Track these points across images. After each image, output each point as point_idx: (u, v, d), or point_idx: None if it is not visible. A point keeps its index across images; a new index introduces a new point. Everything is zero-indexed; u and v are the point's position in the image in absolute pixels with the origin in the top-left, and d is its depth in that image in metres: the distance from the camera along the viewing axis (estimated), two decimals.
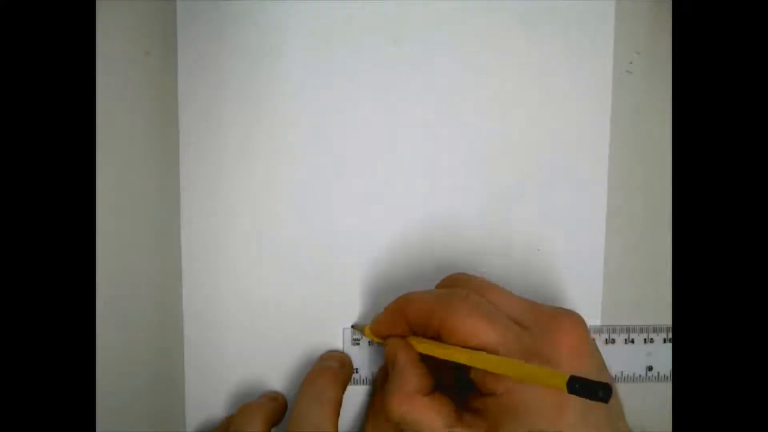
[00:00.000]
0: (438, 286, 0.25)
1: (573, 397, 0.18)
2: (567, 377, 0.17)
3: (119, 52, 0.26)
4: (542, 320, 0.22)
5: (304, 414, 0.24)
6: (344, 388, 0.25)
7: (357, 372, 0.27)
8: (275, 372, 0.27)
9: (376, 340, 0.26)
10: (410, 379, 0.22)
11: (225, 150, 0.27)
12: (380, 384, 0.27)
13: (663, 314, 0.27)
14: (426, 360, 0.23)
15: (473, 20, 0.26)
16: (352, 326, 0.27)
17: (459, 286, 0.23)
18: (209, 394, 0.27)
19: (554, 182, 0.27)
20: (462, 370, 0.22)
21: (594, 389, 0.16)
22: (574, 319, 0.21)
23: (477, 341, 0.21)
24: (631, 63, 0.27)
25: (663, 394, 0.27)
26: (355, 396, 0.27)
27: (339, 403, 0.24)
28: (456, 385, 0.23)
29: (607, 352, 0.25)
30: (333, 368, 0.26)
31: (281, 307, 0.27)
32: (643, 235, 0.27)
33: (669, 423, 0.21)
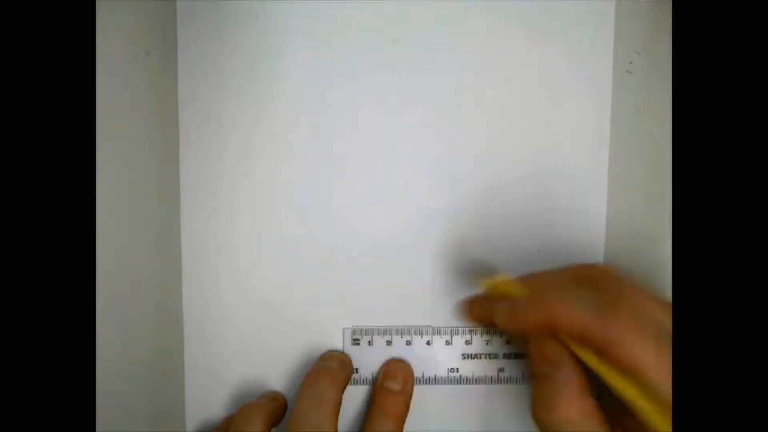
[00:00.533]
0: (573, 273, 0.23)
1: None
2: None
3: (119, 52, 0.26)
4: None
5: (304, 414, 0.24)
6: (344, 388, 0.25)
7: (357, 372, 0.27)
8: (275, 372, 0.27)
9: (494, 292, 0.23)
10: (576, 377, 0.20)
11: (225, 150, 0.27)
12: (381, 382, 0.27)
13: None
14: None
15: (473, 20, 0.26)
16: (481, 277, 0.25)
17: (611, 285, 0.21)
18: (209, 394, 0.27)
19: (554, 182, 0.27)
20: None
21: None
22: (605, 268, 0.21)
23: (643, 367, 0.19)
24: (631, 63, 0.27)
25: None
26: (355, 396, 0.27)
27: (338, 403, 0.24)
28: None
29: None
30: (333, 368, 0.26)
31: (281, 307, 0.27)
32: (643, 235, 0.27)
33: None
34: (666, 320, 0.20)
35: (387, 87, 0.27)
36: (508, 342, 0.27)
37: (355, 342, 0.27)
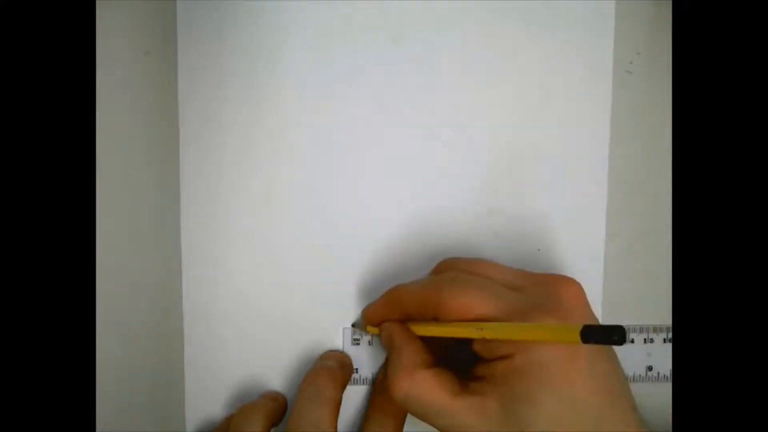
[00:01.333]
0: (431, 273, 0.25)
1: (583, 348, 0.18)
2: (579, 327, 0.17)
3: (119, 51, 0.26)
4: (538, 281, 0.22)
5: (304, 413, 0.24)
6: (343, 388, 0.25)
7: (357, 372, 0.27)
8: (275, 372, 0.27)
9: (374, 331, 0.26)
10: (408, 354, 0.23)
11: (225, 150, 0.27)
12: (380, 381, 0.27)
13: (663, 314, 0.27)
14: (425, 341, 0.23)
15: (473, 20, 0.26)
16: (353, 325, 0.27)
17: (450, 270, 0.24)
18: (209, 394, 0.27)
19: (554, 182, 0.27)
20: (461, 345, 0.22)
21: (608, 334, 0.16)
22: (568, 277, 0.22)
23: (474, 314, 0.21)
24: (631, 63, 0.27)
25: (663, 394, 0.27)
26: (355, 396, 0.27)
27: (338, 403, 0.24)
28: (456, 361, 0.23)
29: None
30: (332, 368, 0.26)
31: (281, 307, 0.27)
32: (643, 235, 0.27)
33: (669, 423, 0.21)
34: (506, 276, 0.23)
35: (387, 87, 0.27)
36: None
37: (355, 342, 0.27)
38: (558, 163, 0.27)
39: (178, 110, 0.26)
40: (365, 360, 0.27)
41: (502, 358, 0.21)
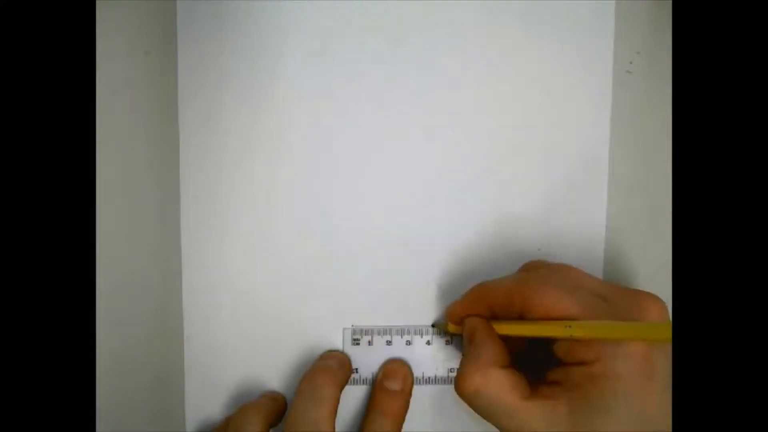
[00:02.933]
0: (518, 272, 0.25)
1: (661, 364, 0.19)
2: (670, 325, 0.17)
3: (119, 51, 0.26)
4: (624, 294, 0.22)
5: (301, 413, 0.24)
6: (342, 387, 0.25)
7: (357, 372, 0.27)
8: (275, 372, 0.27)
9: (455, 330, 0.26)
10: (486, 351, 0.22)
11: (225, 150, 0.27)
12: (380, 381, 0.27)
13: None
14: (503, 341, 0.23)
15: (473, 20, 0.26)
16: (432, 325, 0.27)
17: (536, 266, 0.24)
18: (209, 394, 0.27)
19: (554, 182, 0.27)
20: (535, 347, 0.22)
21: None
22: (655, 296, 0.22)
23: (560, 313, 0.21)
24: (631, 63, 0.27)
25: None
26: (354, 395, 0.27)
27: (336, 402, 0.24)
28: (528, 364, 0.23)
29: None
30: (331, 367, 0.26)
31: (281, 307, 0.27)
32: (643, 235, 0.27)
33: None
34: (593, 285, 0.22)
35: (386, 87, 0.27)
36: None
37: (355, 342, 0.27)
38: (558, 163, 0.27)
39: (177, 110, 0.26)
40: (365, 360, 0.27)
41: (581, 363, 0.21)
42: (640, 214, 0.27)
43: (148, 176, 0.27)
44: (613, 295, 0.22)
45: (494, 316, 0.24)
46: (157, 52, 0.26)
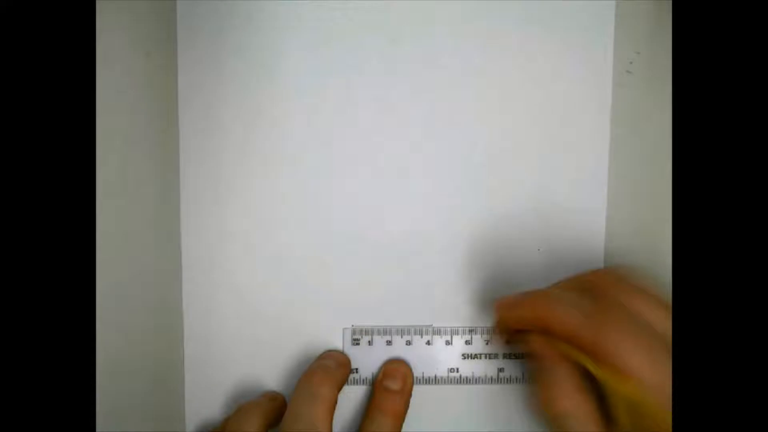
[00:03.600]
0: (581, 279, 0.23)
1: None
2: None
3: (120, 52, 0.26)
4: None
5: (298, 412, 0.24)
6: (339, 387, 0.25)
7: (356, 372, 0.27)
8: (275, 372, 0.27)
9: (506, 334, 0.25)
10: (572, 375, 0.21)
11: (225, 150, 0.27)
12: (380, 380, 0.27)
13: None
14: None
15: (472, 20, 0.26)
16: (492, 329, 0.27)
17: (611, 291, 0.22)
18: (209, 394, 0.27)
19: (554, 182, 0.27)
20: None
21: None
22: None
23: (634, 375, 0.20)
24: (631, 63, 0.27)
25: None
26: (354, 395, 0.27)
27: (333, 402, 0.24)
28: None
29: None
30: (329, 367, 0.26)
31: (281, 307, 0.27)
32: (643, 235, 0.27)
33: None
34: (666, 327, 0.20)
35: (386, 87, 0.27)
36: (508, 342, 0.27)
37: (355, 342, 0.27)
38: (558, 162, 0.27)
39: (178, 111, 0.26)
40: (365, 360, 0.27)
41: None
42: (641, 214, 0.27)
43: (148, 176, 0.27)
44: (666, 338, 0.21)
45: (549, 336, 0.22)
46: (157, 52, 0.26)
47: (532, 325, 0.23)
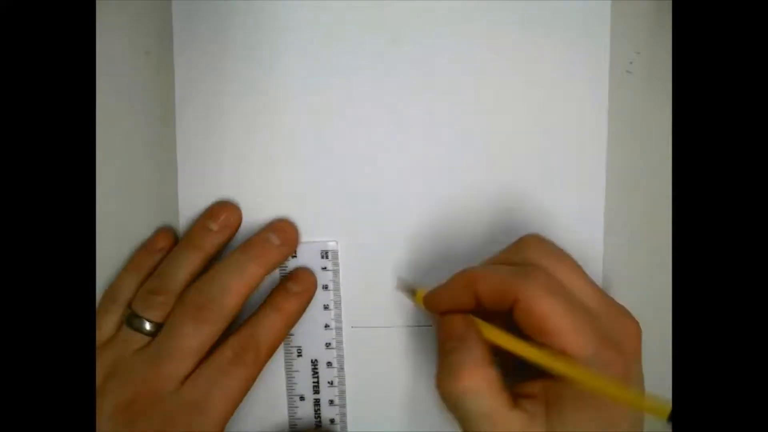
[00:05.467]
0: (509, 250, 0.24)
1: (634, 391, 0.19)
2: (669, 409, 0.18)
3: (119, 52, 0.26)
4: (609, 310, 0.22)
5: (216, 277, 0.24)
6: (273, 268, 0.25)
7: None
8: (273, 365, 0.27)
9: (422, 307, 0.25)
10: (478, 348, 0.21)
11: (223, 151, 0.27)
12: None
13: (663, 314, 0.27)
14: None
15: (472, 20, 0.26)
16: (397, 287, 0.26)
17: (533, 254, 0.22)
18: None
19: (553, 182, 0.27)
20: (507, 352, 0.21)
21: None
22: (632, 318, 0.22)
23: (551, 326, 0.20)
24: (631, 63, 0.27)
25: (662, 394, 0.27)
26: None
27: (257, 281, 0.24)
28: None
29: None
30: (271, 243, 0.25)
31: None
32: (642, 235, 0.27)
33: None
34: (586, 293, 0.21)
35: (386, 87, 0.27)
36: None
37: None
38: (556, 163, 0.27)
39: (174, 110, 0.26)
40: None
41: (561, 379, 0.20)
42: (640, 214, 0.27)
43: (148, 177, 0.27)
44: (601, 308, 0.21)
45: (479, 308, 0.22)
46: (157, 51, 0.26)
47: (459, 299, 0.23)
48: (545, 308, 0.20)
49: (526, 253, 0.23)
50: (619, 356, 0.20)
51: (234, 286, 0.24)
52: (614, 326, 0.21)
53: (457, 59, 0.27)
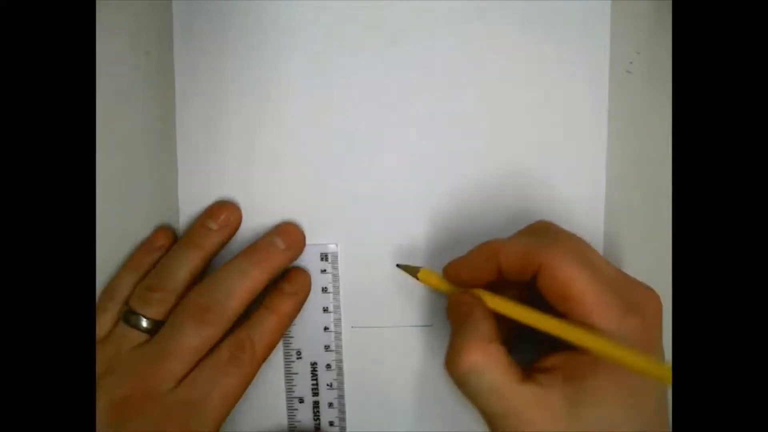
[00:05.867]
0: (522, 233, 0.24)
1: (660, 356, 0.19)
2: (670, 369, 0.18)
3: (119, 52, 0.26)
4: (627, 286, 0.21)
5: (219, 282, 0.24)
6: (277, 272, 0.25)
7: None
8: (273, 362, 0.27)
9: (432, 285, 0.24)
10: (484, 326, 0.21)
11: (223, 151, 0.27)
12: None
13: (663, 314, 0.27)
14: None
15: (472, 20, 0.26)
16: (398, 265, 0.26)
17: (547, 233, 0.22)
18: None
19: (553, 182, 0.27)
20: (530, 331, 0.21)
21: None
22: (656, 295, 0.22)
23: (576, 291, 0.20)
24: (631, 63, 0.27)
25: None
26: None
27: (260, 286, 0.24)
28: (515, 345, 0.22)
29: None
30: (276, 248, 0.25)
31: None
32: (642, 235, 0.27)
33: (669, 423, 0.21)
34: (602, 266, 0.21)
35: (385, 87, 0.27)
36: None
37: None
38: (556, 162, 0.27)
39: (175, 110, 0.26)
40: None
41: (579, 350, 0.20)
42: (640, 214, 0.27)
43: (148, 177, 0.27)
44: (619, 285, 0.21)
45: (501, 279, 0.22)
46: (157, 51, 0.26)
47: (481, 270, 0.23)
48: (571, 274, 0.20)
49: (539, 234, 0.23)
50: (642, 324, 0.20)
51: (238, 290, 0.24)
52: (635, 297, 0.21)
53: (457, 59, 0.27)
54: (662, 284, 0.24)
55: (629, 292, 0.21)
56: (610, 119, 0.27)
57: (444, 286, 0.24)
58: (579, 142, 0.27)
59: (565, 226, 0.24)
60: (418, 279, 0.25)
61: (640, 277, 0.27)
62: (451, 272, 0.24)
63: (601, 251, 0.27)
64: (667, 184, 0.26)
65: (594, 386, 0.20)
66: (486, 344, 0.20)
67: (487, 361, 0.20)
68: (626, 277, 0.22)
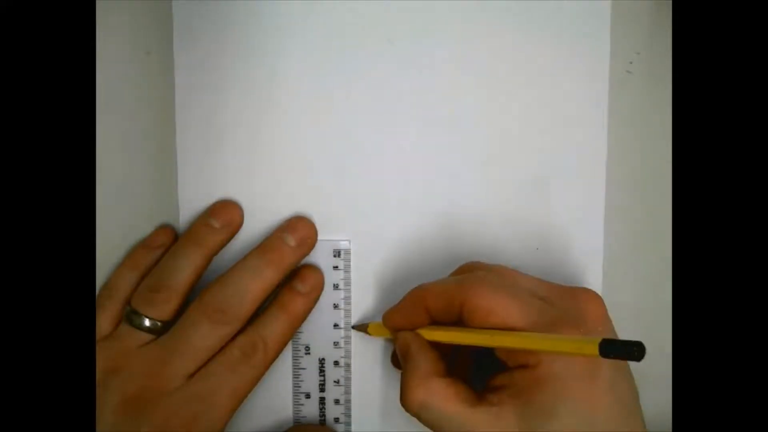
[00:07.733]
0: (453, 274, 0.25)
1: (604, 364, 0.19)
2: (598, 341, 0.17)
3: (119, 52, 0.26)
4: (563, 294, 0.22)
5: (231, 282, 0.24)
6: (288, 270, 0.25)
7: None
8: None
9: (383, 335, 0.26)
10: (423, 363, 0.22)
11: (223, 151, 0.27)
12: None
13: (663, 314, 0.27)
14: (439, 350, 0.23)
15: (470, 20, 0.26)
16: (353, 327, 0.27)
17: (473, 268, 0.24)
18: None
19: (552, 182, 0.27)
20: (479, 353, 0.22)
21: (628, 349, 0.16)
22: (592, 292, 0.22)
23: (500, 318, 0.21)
24: (631, 63, 0.27)
25: (662, 394, 0.27)
26: None
27: (272, 285, 0.25)
28: (471, 372, 0.23)
29: None
30: (287, 246, 0.25)
31: None
32: (642, 235, 0.27)
33: (669, 423, 0.21)
34: (533, 285, 0.22)
35: (384, 86, 0.27)
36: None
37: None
38: (556, 163, 0.27)
39: (174, 110, 0.26)
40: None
41: (524, 367, 0.20)
42: (639, 214, 0.27)
43: (148, 176, 0.27)
44: (552, 295, 0.22)
45: (433, 321, 0.23)
46: (157, 51, 0.26)
47: (412, 316, 0.23)
48: (490, 302, 0.21)
49: (464, 273, 0.24)
50: (581, 332, 0.20)
51: (251, 290, 0.24)
52: (571, 305, 0.21)
53: (456, 59, 0.27)
54: (662, 284, 0.24)
55: (565, 303, 0.22)
56: (610, 119, 0.27)
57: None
58: (579, 142, 0.27)
59: (565, 227, 0.24)
60: (369, 334, 0.26)
61: (640, 277, 0.28)
62: (388, 321, 0.25)
63: (601, 252, 0.27)
64: (667, 184, 0.26)
65: (542, 400, 0.20)
66: (427, 380, 0.21)
67: (431, 395, 0.21)
68: (561, 289, 0.22)
